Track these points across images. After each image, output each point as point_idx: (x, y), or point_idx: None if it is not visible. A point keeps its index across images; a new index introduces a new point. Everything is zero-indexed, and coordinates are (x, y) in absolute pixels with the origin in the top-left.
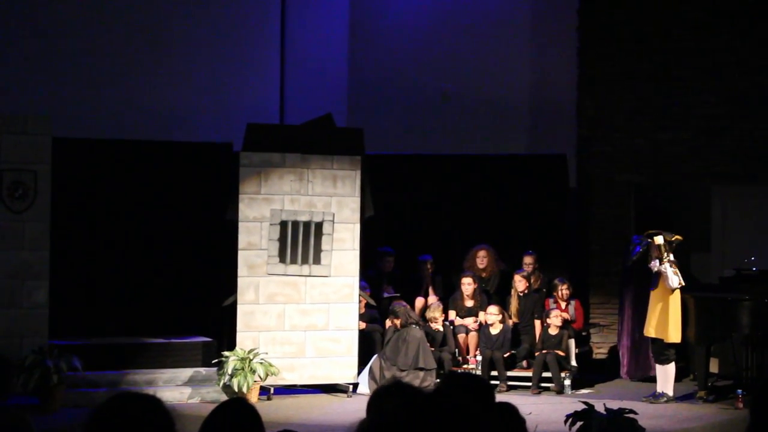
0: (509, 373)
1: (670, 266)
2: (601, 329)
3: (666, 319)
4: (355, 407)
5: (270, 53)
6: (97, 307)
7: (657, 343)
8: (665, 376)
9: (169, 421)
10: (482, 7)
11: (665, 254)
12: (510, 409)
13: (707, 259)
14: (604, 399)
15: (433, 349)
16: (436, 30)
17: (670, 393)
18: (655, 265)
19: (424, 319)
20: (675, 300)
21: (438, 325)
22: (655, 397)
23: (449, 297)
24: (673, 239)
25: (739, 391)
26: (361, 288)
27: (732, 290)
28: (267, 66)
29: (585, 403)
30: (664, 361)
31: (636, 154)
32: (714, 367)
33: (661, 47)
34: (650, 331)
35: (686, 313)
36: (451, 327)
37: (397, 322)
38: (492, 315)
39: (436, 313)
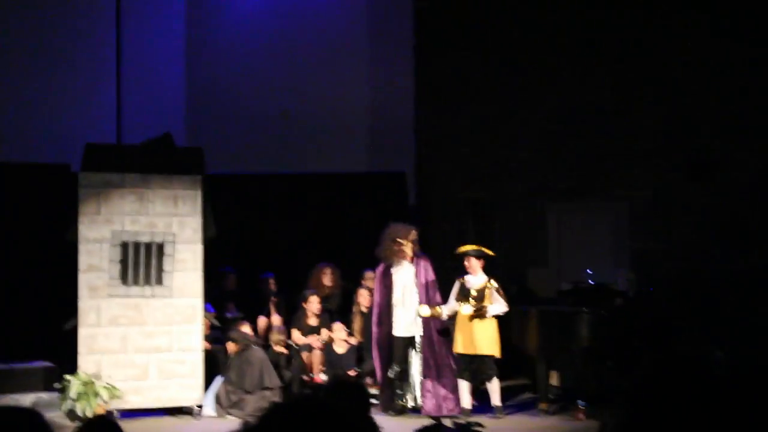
0: None
1: (500, 296)
2: None
3: (494, 335)
4: (202, 428)
5: (105, 72)
6: None
7: (487, 359)
8: (496, 389)
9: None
10: (319, 25)
11: (493, 288)
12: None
13: (544, 273)
14: (452, 415)
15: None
16: (273, 47)
17: (500, 404)
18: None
19: (266, 340)
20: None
21: (281, 348)
22: (494, 412)
23: (292, 316)
24: (489, 255)
25: (580, 402)
26: (207, 310)
27: (570, 303)
28: (103, 85)
29: (433, 418)
30: (493, 375)
31: (473, 171)
32: (554, 379)
33: (496, 64)
34: (481, 348)
35: (526, 327)
36: (296, 346)
37: (236, 347)
38: (340, 332)
39: (281, 336)
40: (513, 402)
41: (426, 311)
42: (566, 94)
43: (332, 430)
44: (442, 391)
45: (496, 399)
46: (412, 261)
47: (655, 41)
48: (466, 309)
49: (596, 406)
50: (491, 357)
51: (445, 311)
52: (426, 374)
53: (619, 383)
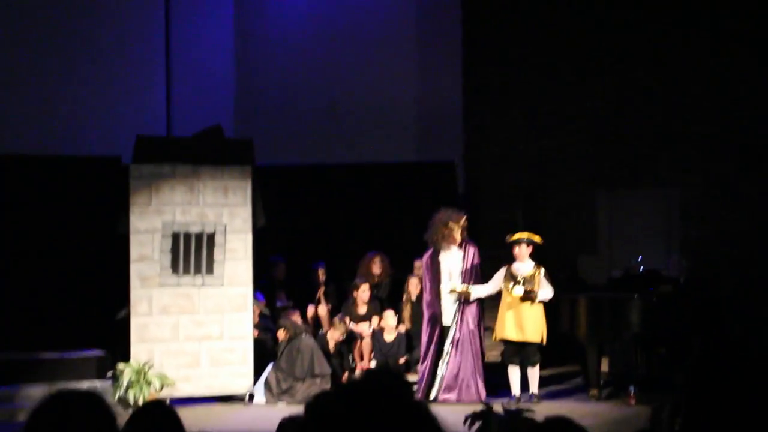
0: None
1: (547, 281)
2: (492, 332)
3: (541, 321)
4: (252, 416)
5: (155, 65)
6: None
7: (532, 346)
8: (536, 376)
9: (110, 417)
10: (367, 16)
11: (541, 274)
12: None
13: (595, 261)
14: (502, 400)
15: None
16: (321, 39)
17: (537, 391)
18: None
19: (316, 327)
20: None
21: (340, 337)
22: (532, 398)
23: (341, 304)
24: (540, 242)
25: (631, 387)
26: (257, 299)
27: (621, 290)
28: (152, 78)
29: (484, 403)
30: (537, 362)
31: (522, 159)
32: (604, 365)
33: (544, 54)
34: (528, 334)
35: (576, 314)
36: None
37: (286, 334)
38: (390, 320)
39: (342, 326)
40: (563, 388)
41: (450, 289)
42: (616, 80)
43: (382, 413)
44: (466, 378)
45: (534, 386)
46: (460, 246)
47: (707, 27)
48: (518, 290)
49: (647, 391)
50: (536, 343)
51: (475, 292)
52: (457, 360)
53: (670, 369)
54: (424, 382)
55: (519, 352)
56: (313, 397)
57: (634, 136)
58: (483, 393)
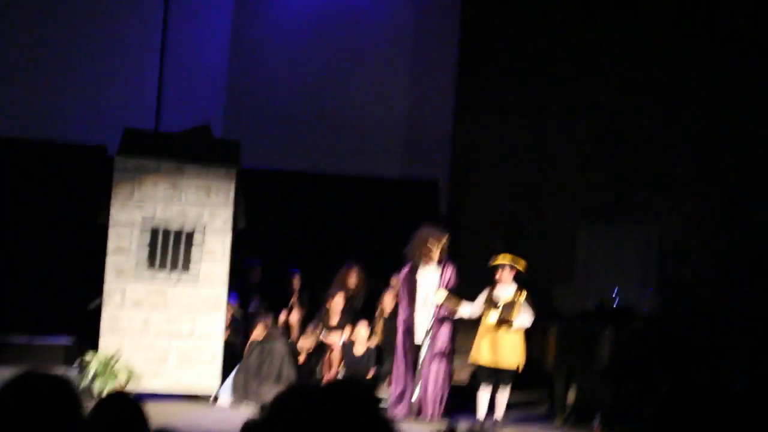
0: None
1: (528, 307)
2: (464, 353)
3: (519, 347)
4: (216, 417)
5: (149, 59)
6: None
7: (509, 371)
8: (504, 402)
9: (76, 401)
10: (364, 28)
11: (522, 299)
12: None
13: (571, 290)
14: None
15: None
16: (317, 47)
17: (501, 418)
18: (498, 298)
19: (286, 330)
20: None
21: (310, 346)
22: (495, 425)
23: (315, 312)
24: (522, 270)
25: (596, 419)
26: (230, 301)
27: (594, 322)
28: (145, 72)
29: (448, 423)
30: (509, 383)
31: (507, 184)
32: (571, 395)
33: (536, 83)
34: (504, 361)
35: (546, 343)
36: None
37: (263, 330)
38: (362, 330)
39: (313, 337)
40: (528, 414)
41: (442, 296)
42: (604, 114)
43: (345, 423)
44: (432, 397)
45: (500, 412)
46: (439, 264)
47: (695, 70)
48: (492, 317)
49: (612, 424)
50: (513, 369)
51: (463, 309)
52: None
53: (637, 403)
54: (405, 401)
55: (493, 375)
56: (274, 397)
57: (618, 170)
58: (439, 413)
